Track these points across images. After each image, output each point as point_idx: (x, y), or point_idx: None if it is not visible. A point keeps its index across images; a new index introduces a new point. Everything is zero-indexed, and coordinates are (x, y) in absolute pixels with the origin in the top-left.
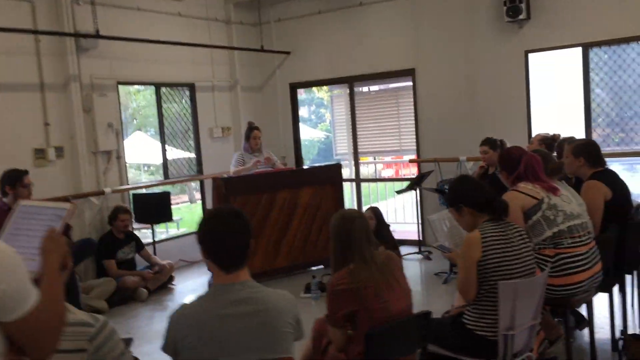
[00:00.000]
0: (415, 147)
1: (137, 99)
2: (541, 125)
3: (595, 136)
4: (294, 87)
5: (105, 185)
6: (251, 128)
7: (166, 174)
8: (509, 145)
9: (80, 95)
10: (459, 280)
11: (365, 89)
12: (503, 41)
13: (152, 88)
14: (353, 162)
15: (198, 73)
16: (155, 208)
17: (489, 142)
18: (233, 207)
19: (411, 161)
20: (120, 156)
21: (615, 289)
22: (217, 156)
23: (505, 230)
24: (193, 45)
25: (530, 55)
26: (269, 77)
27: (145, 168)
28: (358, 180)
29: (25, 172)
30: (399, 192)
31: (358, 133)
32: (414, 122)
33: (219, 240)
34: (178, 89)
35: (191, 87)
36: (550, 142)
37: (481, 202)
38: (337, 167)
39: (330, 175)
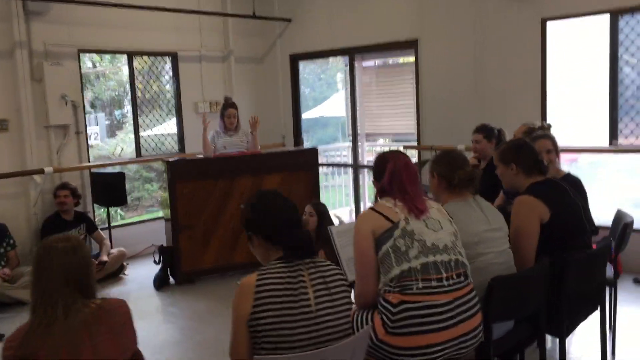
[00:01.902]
0: (416, 132)
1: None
2: (557, 109)
3: (621, 126)
4: (294, 59)
5: (59, 162)
6: (225, 105)
7: (138, 152)
8: (508, 136)
9: (28, 63)
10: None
11: (370, 63)
12: (516, 6)
13: (124, 57)
14: (351, 145)
15: (182, 41)
16: (110, 190)
17: (484, 130)
18: None
19: (405, 147)
20: (80, 132)
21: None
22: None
23: (298, 276)
24: (176, 11)
25: (548, 24)
26: (269, 48)
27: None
28: (356, 166)
29: None
30: None
31: (360, 112)
32: (414, 102)
33: None
34: (157, 58)
35: (173, 57)
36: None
37: (271, 232)
38: (313, 152)
39: (304, 161)
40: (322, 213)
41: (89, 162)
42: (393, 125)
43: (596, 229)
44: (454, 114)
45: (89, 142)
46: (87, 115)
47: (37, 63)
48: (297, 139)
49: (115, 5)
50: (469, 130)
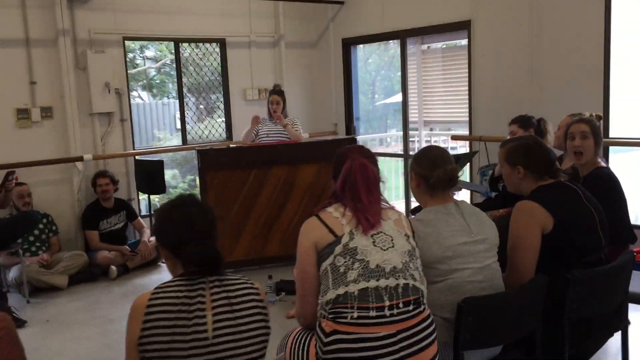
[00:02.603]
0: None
1: None
2: (623, 97)
3: None
4: (347, 44)
5: (103, 150)
6: (270, 91)
7: (184, 140)
8: (551, 129)
9: (72, 51)
10: None
11: (424, 46)
12: None
13: (170, 44)
14: (402, 133)
15: (230, 27)
16: (150, 178)
17: (520, 120)
18: None
19: (453, 138)
20: (124, 119)
21: None
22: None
23: (197, 297)
24: None
25: (613, 2)
26: (321, 32)
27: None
28: (407, 156)
29: None
30: None
31: (418, 99)
32: (467, 88)
33: None
34: (205, 45)
35: (221, 43)
36: None
37: (173, 244)
38: (351, 142)
39: None
40: None
41: (134, 149)
42: (449, 112)
43: (633, 236)
44: (508, 102)
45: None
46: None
47: (81, 51)
48: (349, 127)
49: None
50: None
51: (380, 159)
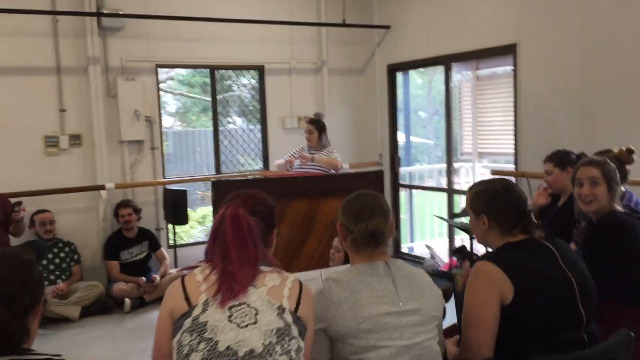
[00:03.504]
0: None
1: None
2: None
3: None
4: (392, 70)
5: (132, 178)
6: (308, 122)
7: (218, 169)
8: None
9: (101, 79)
10: None
11: (479, 72)
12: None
13: (206, 71)
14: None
15: (269, 53)
16: (173, 207)
17: (556, 158)
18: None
19: (494, 173)
20: (155, 147)
21: None
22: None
23: None
24: (265, 22)
25: None
26: (367, 58)
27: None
28: (451, 191)
29: None
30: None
31: (469, 128)
32: (512, 117)
33: None
34: (242, 72)
35: (260, 70)
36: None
37: None
38: (378, 175)
39: (368, 185)
40: None
41: (164, 177)
42: (497, 144)
43: None
44: (556, 134)
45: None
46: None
47: (112, 79)
48: (393, 158)
49: (196, 19)
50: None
51: (423, 193)
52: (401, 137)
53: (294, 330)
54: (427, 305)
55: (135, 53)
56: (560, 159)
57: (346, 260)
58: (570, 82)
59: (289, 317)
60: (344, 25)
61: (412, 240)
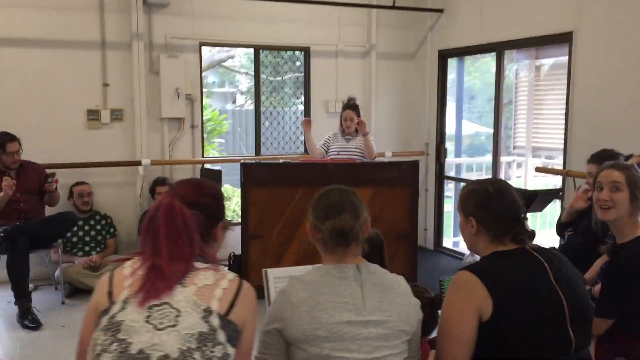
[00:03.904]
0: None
1: None
2: None
3: None
4: (443, 56)
5: (171, 155)
6: (344, 105)
7: (258, 151)
8: None
9: (144, 55)
10: None
11: (538, 62)
12: None
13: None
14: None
15: (316, 35)
16: None
17: (600, 159)
18: None
19: (538, 170)
20: (195, 125)
21: None
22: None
23: None
24: (313, 2)
25: None
26: (419, 43)
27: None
28: None
29: (11, 139)
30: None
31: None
32: (564, 111)
33: None
34: (287, 53)
35: (305, 51)
36: None
37: None
38: (413, 165)
39: (402, 175)
40: (372, 242)
41: (203, 156)
42: (552, 139)
43: None
44: (611, 131)
45: None
46: None
47: (155, 55)
48: (439, 148)
49: None
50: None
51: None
52: (454, 127)
53: (221, 336)
54: (395, 318)
55: (180, 30)
56: (604, 160)
57: (369, 255)
58: (628, 76)
59: (215, 321)
60: (394, 7)
61: (455, 235)
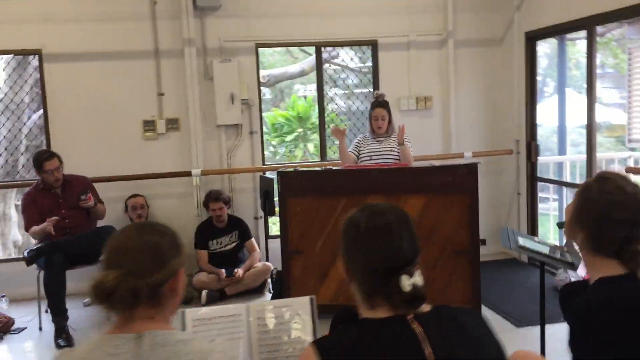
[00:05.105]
0: None
1: None
2: None
3: None
4: (531, 38)
5: (229, 164)
6: (372, 103)
7: (323, 155)
8: None
9: (197, 61)
10: None
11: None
12: None
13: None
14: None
15: (384, 26)
16: (265, 196)
17: None
18: None
19: (628, 171)
20: (254, 131)
21: None
22: (410, 134)
23: None
24: None
25: None
26: (504, 27)
27: None
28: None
29: (48, 157)
30: (560, 224)
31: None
32: None
33: None
34: (352, 48)
35: (372, 45)
36: None
37: None
38: (470, 169)
39: (458, 180)
40: None
41: (263, 163)
42: None
43: None
44: None
45: None
46: None
47: (209, 61)
48: (529, 145)
49: None
50: None
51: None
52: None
53: None
54: None
55: (234, 33)
56: None
57: None
58: None
59: None
60: None
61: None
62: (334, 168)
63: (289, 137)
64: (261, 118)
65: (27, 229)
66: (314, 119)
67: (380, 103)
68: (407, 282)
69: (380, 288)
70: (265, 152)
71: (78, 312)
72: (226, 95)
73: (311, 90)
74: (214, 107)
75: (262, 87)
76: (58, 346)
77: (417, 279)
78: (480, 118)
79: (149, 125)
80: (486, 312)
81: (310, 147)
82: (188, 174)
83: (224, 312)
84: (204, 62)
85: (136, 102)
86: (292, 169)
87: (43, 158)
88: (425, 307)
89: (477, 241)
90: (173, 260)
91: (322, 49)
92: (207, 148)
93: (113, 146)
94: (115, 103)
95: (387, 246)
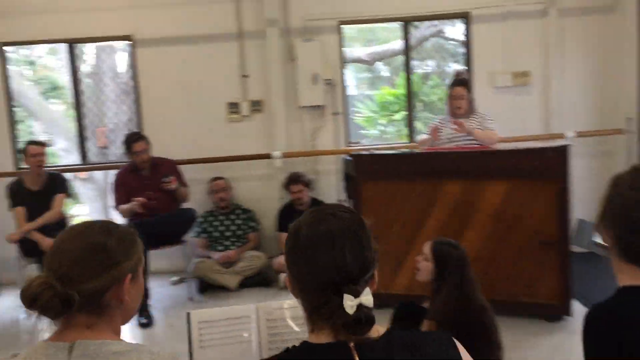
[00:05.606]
0: None
1: None
2: None
3: None
4: None
5: (312, 145)
6: (452, 83)
7: (411, 137)
8: None
9: (281, 41)
10: None
11: None
12: None
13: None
14: None
15: None
16: (346, 179)
17: None
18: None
19: None
20: (337, 112)
21: None
22: (506, 113)
23: None
24: None
25: None
26: None
27: None
28: None
29: (137, 139)
30: None
31: None
32: None
33: None
34: (442, 22)
35: (465, 18)
36: None
37: None
38: (560, 152)
39: (546, 164)
40: (445, 258)
41: (348, 145)
42: None
43: None
44: None
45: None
46: None
47: (291, 41)
48: None
49: None
50: None
51: None
52: None
53: None
54: None
55: (317, 10)
56: None
57: (438, 274)
58: None
59: None
60: None
61: None
62: (406, 151)
63: (397, 116)
64: (345, 98)
65: (116, 207)
66: (423, 97)
67: (459, 81)
68: (350, 303)
69: (321, 308)
70: (373, 131)
71: (161, 291)
72: (309, 75)
73: (429, 66)
74: (296, 88)
75: (378, 63)
76: (140, 324)
77: (365, 298)
78: (586, 94)
79: (233, 107)
80: (579, 309)
81: (419, 125)
82: (268, 156)
83: (232, 313)
84: (286, 43)
85: (220, 85)
86: (366, 152)
87: (132, 140)
88: (376, 332)
89: (567, 232)
90: (120, 265)
91: (411, 24)
92: (290, 130)
93: (199, 128)
94: (201, 86)
95: (327, 259)
